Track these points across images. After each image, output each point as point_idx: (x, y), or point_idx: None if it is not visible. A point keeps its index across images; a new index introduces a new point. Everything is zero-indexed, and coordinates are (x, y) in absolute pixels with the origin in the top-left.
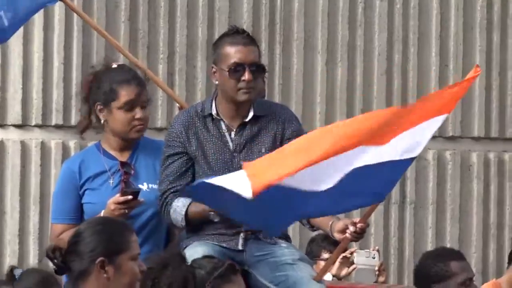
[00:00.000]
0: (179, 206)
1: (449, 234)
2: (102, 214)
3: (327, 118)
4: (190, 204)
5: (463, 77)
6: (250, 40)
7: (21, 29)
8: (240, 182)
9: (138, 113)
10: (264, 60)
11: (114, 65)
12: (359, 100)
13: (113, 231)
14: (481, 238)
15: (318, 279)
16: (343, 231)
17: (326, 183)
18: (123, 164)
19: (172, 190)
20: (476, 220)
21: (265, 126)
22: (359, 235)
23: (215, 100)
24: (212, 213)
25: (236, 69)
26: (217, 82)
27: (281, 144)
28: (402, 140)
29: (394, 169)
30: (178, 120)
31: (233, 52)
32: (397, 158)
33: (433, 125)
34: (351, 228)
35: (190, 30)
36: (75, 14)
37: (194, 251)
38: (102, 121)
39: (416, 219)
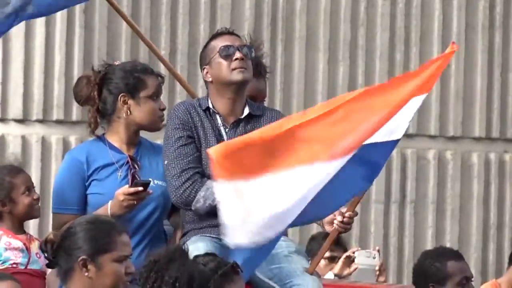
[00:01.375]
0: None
1: (449, 234)
2: (109, 204)
3: None
4: None
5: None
6: (234, 33)
7: (22, 24)
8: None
9: (162, 104)
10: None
11: (117, 62)
12: None
13: (100, 231)
14: (481, 238)
15: (310, 271)
16: (332, 222)
17: (309, 192)
18: (131, 158)
19: (196, 170)
20: (476, 220)
21: (258, 125)
22: (347, 225)
23: (210, 98)
24: None
25: (226, 51)
26: (210, 79)
27: None
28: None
29: (379, 152)
30: (180, 107)
31: (219, 41)
32: (381, 140)
33: (413, 105)
34: (339, 218)
35: (192, 27)
36: (77, 10)
37: (195, 247)
38: (126, 113)
39: (416, 218)
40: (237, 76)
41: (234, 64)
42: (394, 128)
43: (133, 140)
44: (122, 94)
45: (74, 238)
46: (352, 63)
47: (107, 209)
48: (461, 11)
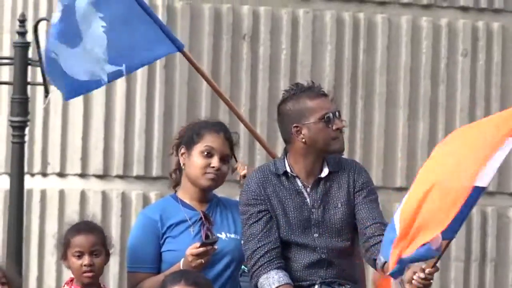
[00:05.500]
0: (275, 278)
1: None
2: (181, 262)
3: (408, 174)
4: (283, 284)
5: None
6: (322, 90)
7: None
8: None
9: (214, 162)
10: (346, 114)
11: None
12: None
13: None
14: None
15: None
16: (411, 280)
17: None
18: (204, 214)
19: (262, 251)
20: None
21: (338, 181)
22: (427, 281)
23: (287, 159)
24: None
25: (329, 117)
26: (304, 140)
27: (354, 197)
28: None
29: (466, 202)
30: (254, 179)
31: (319, 104)
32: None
33: (504, 149)
34: (421, 275)
35: (272, 83)
36: (158, 65)
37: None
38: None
39: (496, 277)
40: (335, 145)
41: (335, 133)
42: (483, 176)
43: (204, 196)
44: (181, 146)
45: None
46: (432, 119)
47: (180, 267)
48: None
